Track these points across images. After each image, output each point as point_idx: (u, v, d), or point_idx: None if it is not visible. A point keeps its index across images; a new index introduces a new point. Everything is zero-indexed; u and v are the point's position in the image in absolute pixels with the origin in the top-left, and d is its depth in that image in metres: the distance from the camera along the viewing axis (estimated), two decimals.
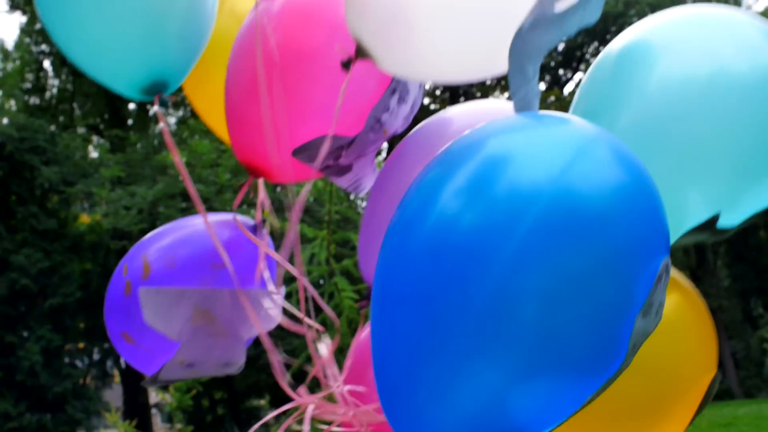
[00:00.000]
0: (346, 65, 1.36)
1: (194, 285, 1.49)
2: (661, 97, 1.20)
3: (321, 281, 5.35)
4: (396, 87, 1.49)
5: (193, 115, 16.08)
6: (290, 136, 1.46)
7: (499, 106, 1.57)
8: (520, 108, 1.15)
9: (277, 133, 1.45)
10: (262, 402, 23.85)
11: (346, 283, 5.03)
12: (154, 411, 20.31)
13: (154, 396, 19.10)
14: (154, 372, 1.48)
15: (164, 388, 12.49)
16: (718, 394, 33.10)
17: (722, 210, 1.18)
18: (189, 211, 11.61)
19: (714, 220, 1.18)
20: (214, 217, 1.63)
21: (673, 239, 1.18)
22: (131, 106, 17.02)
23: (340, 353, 5.31)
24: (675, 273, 1.29)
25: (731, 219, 1.20)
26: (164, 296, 1.37)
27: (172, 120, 17.33)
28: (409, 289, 0.97)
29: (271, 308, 1.54)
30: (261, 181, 1.63)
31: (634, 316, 0.94)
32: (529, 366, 0.93)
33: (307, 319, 1.49)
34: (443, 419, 0.94)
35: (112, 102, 15.69)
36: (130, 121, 16.58)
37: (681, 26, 1.27)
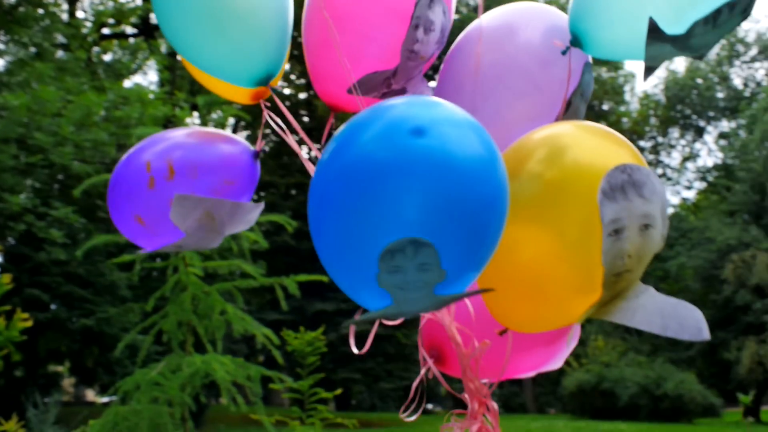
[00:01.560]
0: None
1: (209, 195, 1.94)
2: None
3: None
4: (418, 22, 1.86)
5: (39, 56, 15.09)
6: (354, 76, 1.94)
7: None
8: None
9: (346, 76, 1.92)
10: (61, 368, 22.76)
11: (197, 258, 4.95)
12: None
13: None
14: (153, 248, 2.01)
15: None
16: (513, 407, 34.76)
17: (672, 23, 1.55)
18: (18, 159, 10.90)
19: (655, 27, 1.53)
20: (214, 132, 2.08)
21: (642, 54, 1.59)
22: None
23: (179, 327, 5.18)
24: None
25: (678, 29, 1.55)
26: (189, 201, 1.85)
27: (9, 58, 16.16)
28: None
29: (253, 216, 2.05)
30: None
31: (375, 278, 1.36)
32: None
33: None
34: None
35: None
36: None
37: None
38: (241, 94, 2.08)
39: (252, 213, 2.03)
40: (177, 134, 2.06)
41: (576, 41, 1.76)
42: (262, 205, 2.06)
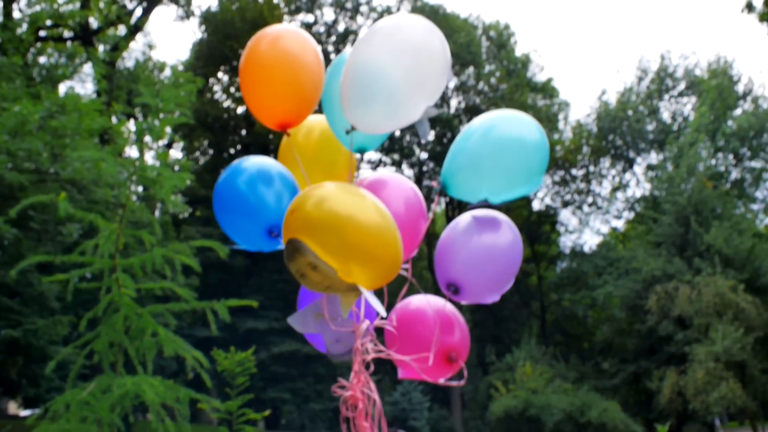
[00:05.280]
0: None
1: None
2: (487, 145, 3.17)
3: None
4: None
5: None
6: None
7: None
8: None
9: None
10: None
11: (129, 280, 4.97)
12: None
13: None
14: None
15: None
16: (441, 430, 34.60)
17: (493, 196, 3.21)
18: None
19: (486, 201, 3.19)
20: None
21: (476, 199, 3.21)
22: None
23: (110, 348, 5.17)
24: None
25: (497, 200, 3.19)
26: (301, 314, 3.02)
27: None
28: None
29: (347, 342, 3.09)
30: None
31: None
32: None
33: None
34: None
35: None
36: None
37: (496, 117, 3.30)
38: None
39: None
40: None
41: (444, 189, 3.25)
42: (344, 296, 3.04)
